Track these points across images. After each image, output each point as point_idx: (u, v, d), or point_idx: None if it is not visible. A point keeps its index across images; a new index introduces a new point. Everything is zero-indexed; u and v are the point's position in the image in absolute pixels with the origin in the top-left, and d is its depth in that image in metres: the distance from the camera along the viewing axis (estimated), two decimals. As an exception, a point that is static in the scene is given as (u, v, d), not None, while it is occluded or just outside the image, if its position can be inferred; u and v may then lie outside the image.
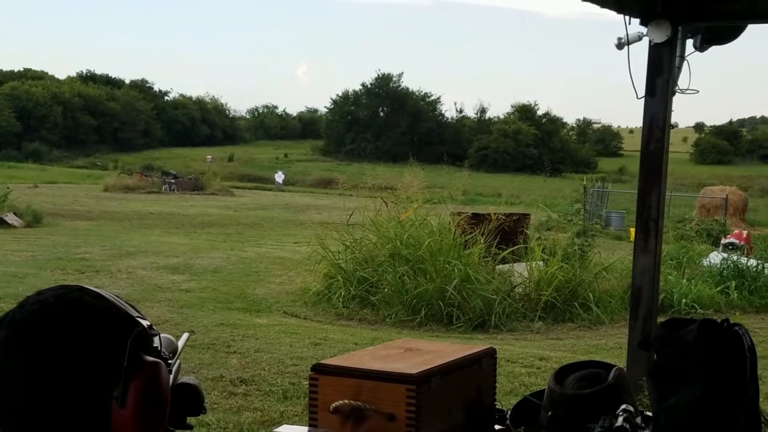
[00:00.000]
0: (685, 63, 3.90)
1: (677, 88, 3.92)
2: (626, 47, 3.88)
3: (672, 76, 3.85)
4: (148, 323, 0.95)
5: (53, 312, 0.90)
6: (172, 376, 1.04)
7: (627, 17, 3.80)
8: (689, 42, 3.89)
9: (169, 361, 1.00)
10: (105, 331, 0.91)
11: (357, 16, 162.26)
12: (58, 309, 0.91)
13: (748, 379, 1.29)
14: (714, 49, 3.93)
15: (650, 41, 3.77)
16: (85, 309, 0.91)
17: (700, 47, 3.89)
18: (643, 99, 3.85)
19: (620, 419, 1.40)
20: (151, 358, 0.92)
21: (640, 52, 3.86)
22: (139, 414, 0.89)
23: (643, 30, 3.80)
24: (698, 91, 3.95)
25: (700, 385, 1.29)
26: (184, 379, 1.16)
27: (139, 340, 0.91)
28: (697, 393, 1.29)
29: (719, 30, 3.87)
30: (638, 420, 1.45)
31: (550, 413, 1.56)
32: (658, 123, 3.88)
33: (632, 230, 4.75)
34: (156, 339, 0.96)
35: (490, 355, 1.57)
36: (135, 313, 0.95)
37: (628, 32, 3.84)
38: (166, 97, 63.28)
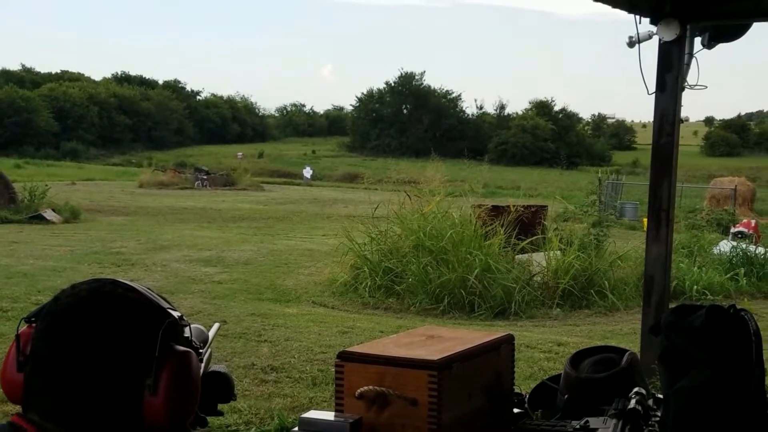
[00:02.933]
0: (693, 60, 3.98)
1: (686, 83, 4.00)
2: (637, 45, 3.97)
3: (681, 73, 3.94)
4: (179, 314, 1.00)
5: (87, 304, 0.94)
6: (202, 365, 1.11)
7: (638, 17, 3.90)
8: (697, 40, 3.97)
9: (200, 351, 1.06)
10: (137, 322, 0.94)
11: (379, 17, 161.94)
12: (91, 301, 0.94)
13: (754, 363, 1.31)
14: (722, 46, 4.01)
15: (660, 39, 3.86)
16: (117, 301, 0.94)
17: (708, 45, 3.97)
18: (654, 95, 3.95)
19: (633, 402, 1.45)
20: (181, 348, 0.96)
21: (651, 49, 3.95)
22: (171, 401, 0.93)
23: (653, 29, 3.89)
24: (707, 87, 4.03)
25: (707, 368, 1.31)
26: (214, 367, 1.26)
27: (170, 331, 0.95)
28: (704, 376, 1.31)
29: (726, 28, 3.94)
30: (650, 402, 1.50)
31: (566, 396, 1.63)
32: (668, 117, 3.97)
33: (645, 220, 4.85)
34: (187, 329, 1.01)
35: (509, 341, 1.60)
36: (166, 305, 0.99)
37: (639, 31, 3.94)
38: (198, 97, 64.26)
